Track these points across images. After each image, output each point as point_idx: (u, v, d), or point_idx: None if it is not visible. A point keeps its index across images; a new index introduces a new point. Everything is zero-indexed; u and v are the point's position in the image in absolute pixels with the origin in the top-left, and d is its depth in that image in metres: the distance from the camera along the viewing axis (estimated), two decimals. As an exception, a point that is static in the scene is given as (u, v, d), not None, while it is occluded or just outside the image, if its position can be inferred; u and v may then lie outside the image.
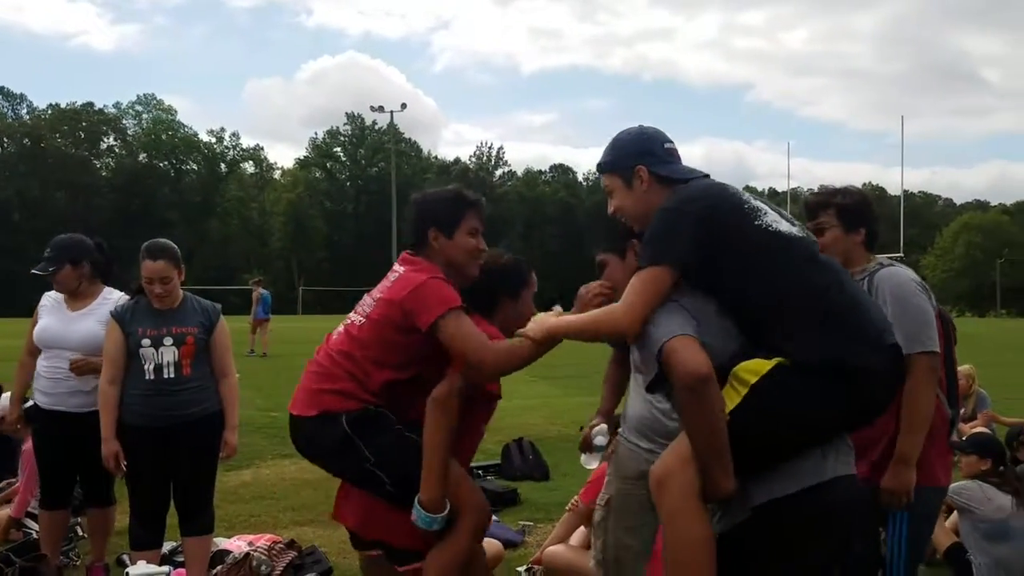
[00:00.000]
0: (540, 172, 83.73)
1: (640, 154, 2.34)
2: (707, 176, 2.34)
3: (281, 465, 7.08)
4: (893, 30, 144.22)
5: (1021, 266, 71.98)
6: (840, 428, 2.06)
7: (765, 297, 2.06)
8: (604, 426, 3.02)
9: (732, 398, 1.97)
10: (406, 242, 2.87)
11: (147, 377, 3.77)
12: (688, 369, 1.93)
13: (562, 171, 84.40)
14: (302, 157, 76.94)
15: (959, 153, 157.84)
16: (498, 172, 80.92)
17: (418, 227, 2.74)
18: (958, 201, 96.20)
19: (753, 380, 1.96)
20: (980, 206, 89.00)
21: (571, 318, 2.36)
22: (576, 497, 4.43)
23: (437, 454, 2.54)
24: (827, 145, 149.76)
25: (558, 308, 2.52)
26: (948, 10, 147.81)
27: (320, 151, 76.20)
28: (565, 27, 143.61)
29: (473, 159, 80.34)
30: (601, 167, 2.44)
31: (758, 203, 2.20)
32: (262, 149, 77.63)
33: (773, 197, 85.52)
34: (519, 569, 4.38)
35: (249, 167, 76.04)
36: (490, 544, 4.40)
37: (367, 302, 2.72)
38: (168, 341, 3.80)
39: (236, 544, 4.54)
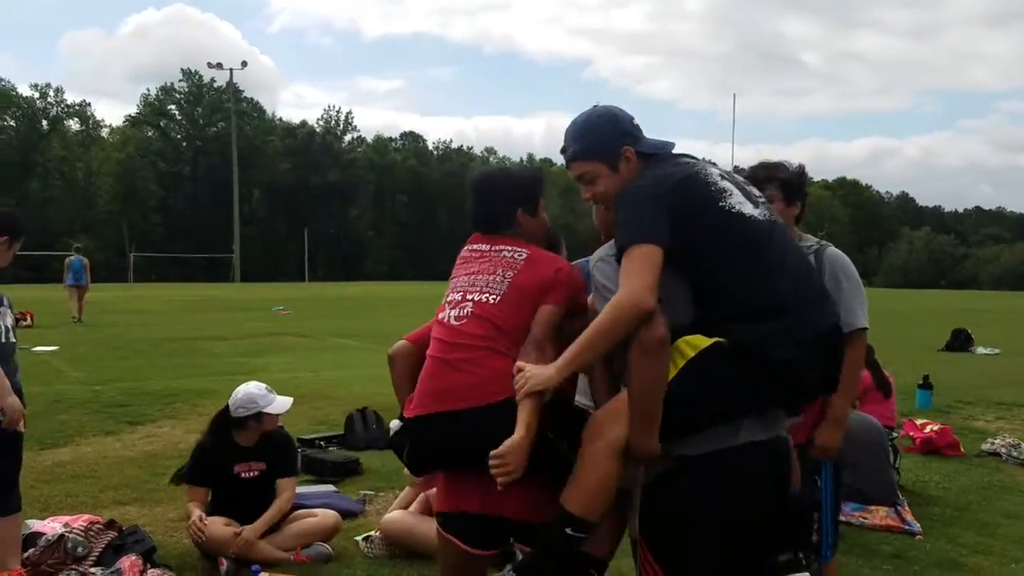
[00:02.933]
0: (391, 139, 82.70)
1: (623, 134, 2.32)
2: (674, 147, 2.36)
3: (103, 442, 6.63)
4: (718, 12, 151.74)
5: (839, 238, 77.00)
6: (760, 407, 2.21)
7: (715, 277, 2.16)
8: None
9: (671, 369, 2.12)
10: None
11: None
12: (650, 333, 2.07)
13: (412, 139, 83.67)
14: (133, 114, 72.35)
15: (780, 131, 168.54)
16: (347, 138, 79.16)
17: (506, 207, 2.66)
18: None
19: (691, 354, 2.10)
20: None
21: (568, 350, 2.22)
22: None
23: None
24: (661, 122, 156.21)
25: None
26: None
27: (153, 109, 71.86)
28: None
29: (321, 123, 78.09)
30: (578, 155, 2.35)
31: (725, 183, 2.24)
32: (89, 105, 72.46)
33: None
34: (357, 539, 4.31)
35: (74, 124, 70.62)
36: (327, 515, 4.32)
37: (488, 280, 2.51)
38: None
39: (50, 526, 4.25)
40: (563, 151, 2.40)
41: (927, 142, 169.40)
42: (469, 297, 2.49)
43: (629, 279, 2.11)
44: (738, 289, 2.15)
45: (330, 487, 5.26)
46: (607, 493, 2.19)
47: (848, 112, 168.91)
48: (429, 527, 4.04)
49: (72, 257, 18.32)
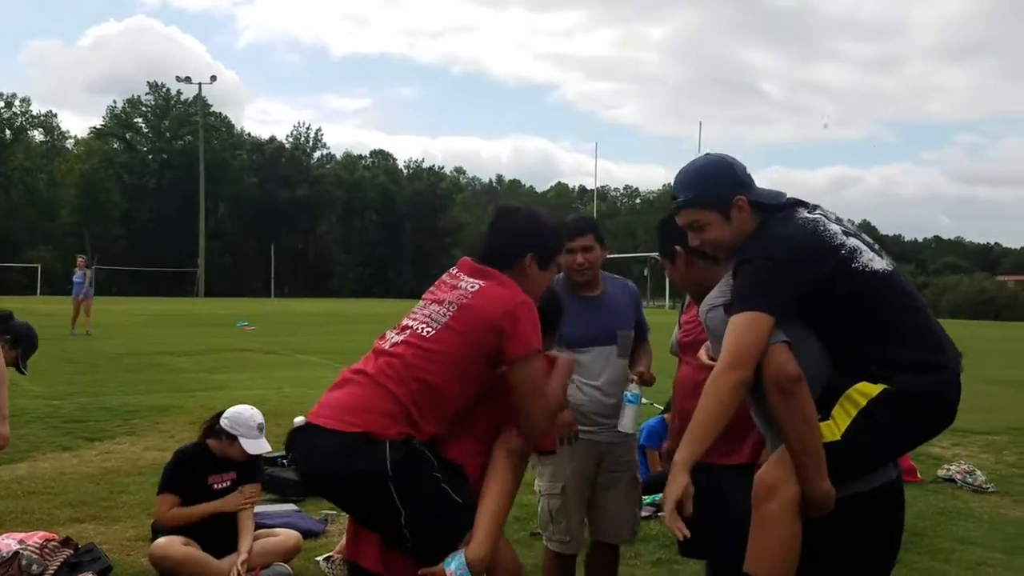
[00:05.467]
0: (360, 156, 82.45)
1: (737, 184, 2.30)
2: (786, 196, 2.34)
3: (60, 458, 6.51)
4: (682, 41, 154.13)
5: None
6: (914, 447, 2.35)
7: (863, 334, 2.18)
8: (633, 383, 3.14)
9: (843, 418, 2.12)
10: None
11: None
12: (783, 372, 2.07)
13: (382, 157, 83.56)
14: (98, 126, 71.45)
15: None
16: (316, 154, 78.85)
17: (517, 246, 2.50)
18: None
19: (863, 403, 2.12)
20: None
21: (686, 438, 2.15)
22: None
23: (503, 512, 2.40)
24: (627, 147, 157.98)
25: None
26: (729, 25, 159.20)
27: (119, 121, 71.01)
28: (374, 14, 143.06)
29: (290, 139, 77.73)
30: (690, 202, 2.31)
31: (853, 242, 2.23)
32: (55, 116, 71.52)
33: (583, 195, 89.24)
34: (318, 559, 4.28)
35: (38, 135, 69.62)
36: (288, 535, 4.29)
37: (434, 309, 2.41)
38: None
39: (4, 543, 4.15)
40: (674, 198, 2.36)
41: (888, 172, 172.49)
42: (409, 324, 2.43)
43: (739, 342, 2.11)
44: (892, 342, 2.16)
45: (291, 506, 5.21)
46: (794, 555, 2.11)
47: (809, 141, 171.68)
48: None
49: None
